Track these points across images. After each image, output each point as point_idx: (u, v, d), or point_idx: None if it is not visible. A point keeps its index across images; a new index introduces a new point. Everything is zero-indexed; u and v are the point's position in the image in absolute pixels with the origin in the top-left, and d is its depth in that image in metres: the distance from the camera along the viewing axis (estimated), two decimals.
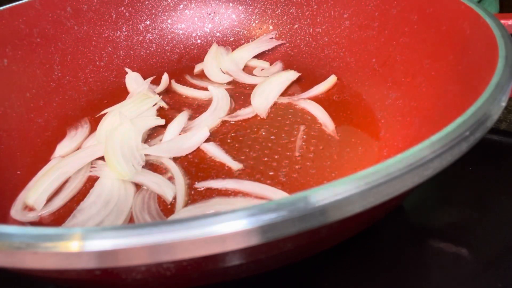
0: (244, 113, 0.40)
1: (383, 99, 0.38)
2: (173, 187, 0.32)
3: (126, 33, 0.48)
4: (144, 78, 0.45)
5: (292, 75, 0.44)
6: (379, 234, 0.29)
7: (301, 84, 0.44)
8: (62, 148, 0.37)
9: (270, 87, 0.42)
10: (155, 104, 0.41)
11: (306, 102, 0.40)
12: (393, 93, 0.37)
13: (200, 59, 0.49)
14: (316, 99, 0.41)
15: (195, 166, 0.34)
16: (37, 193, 0.32)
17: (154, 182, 0.32)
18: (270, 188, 0.31)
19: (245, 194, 0.31)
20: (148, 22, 0.50)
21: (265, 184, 0.31)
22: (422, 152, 0.17)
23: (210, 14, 0.52)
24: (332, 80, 0.43)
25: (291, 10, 0.49)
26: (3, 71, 0.38)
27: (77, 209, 0.31)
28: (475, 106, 0.20)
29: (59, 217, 0.31)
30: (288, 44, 0.49)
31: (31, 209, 0.31)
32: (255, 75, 0.45)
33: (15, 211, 0.31)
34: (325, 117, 0.38)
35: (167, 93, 0.44)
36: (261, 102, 0.40)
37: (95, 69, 0.45)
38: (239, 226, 0.15)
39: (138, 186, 0.32)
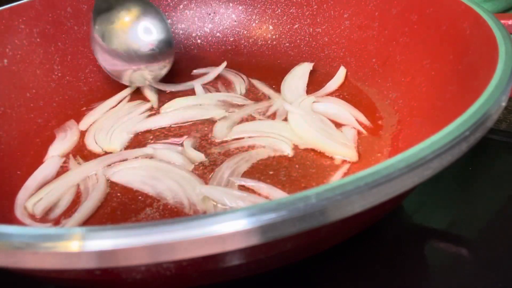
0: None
1: (383, 99, 0.38)
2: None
3: None
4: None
5: (307, 66, 0.45)
6: (379, 234, 0.29)
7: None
8: (55, 150, 0.37)
9: (294, 81, 0.43)
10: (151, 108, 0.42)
11: (329, 100, 0.40)
12: (393, 93, 0.37)
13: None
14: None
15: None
16: (45, 202, 0.31)
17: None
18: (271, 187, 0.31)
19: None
20: None
21: (264, 183, 0.31)
22: (422, 152, 0.17)
23: (210, 14, 0.52)
24: (342, 73, 0.43)
25: (291, 10, 0.49)
26: (3, 71, 0.38)
27: None
28: (475, 106, 0.20)
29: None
30: (288, 44, 0.49)
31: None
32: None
33: (20, 214, 0.31)
34: (356, 113, 0.38)
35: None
36: (296, 97, 0.41)
37: (95, 69, 0.45)
38: (239, 226, 0.15)
39: None
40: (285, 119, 0.37)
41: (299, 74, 0.44)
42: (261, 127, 0.37)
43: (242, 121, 0.38)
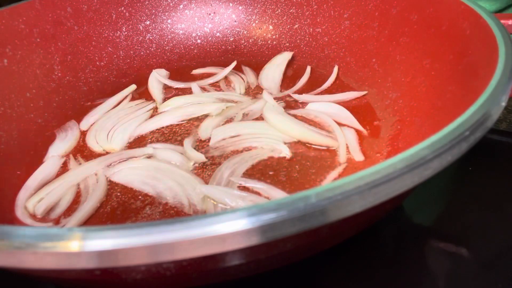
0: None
1: (383, 99, 0.38)
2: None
3: (126, 33, 0.48)
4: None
5: (287, 55, 0.47)
6: (379, 234, 0.29)
7: (303, 84, 0.44)
8: (55, 150, 0.37)
9: (272, 70, 0.45)
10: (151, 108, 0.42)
11: (329, 99, 0.40)
12: (393, 93, 0.37)
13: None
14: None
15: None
16: (46, 201, 0.31)
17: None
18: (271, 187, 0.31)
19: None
20: (148, 22, 0.50)
21: (264, 183, 0.31)
22: (422, 152, 0.17)
23: (210, 14, 0.52)
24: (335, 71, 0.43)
25: (291, 10, 0.49)
26: (3, 71, 0.38)
27: None
28: (475, 106, 0.20)
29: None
30: (288, 44, 0.49)
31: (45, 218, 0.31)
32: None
33: (21, 213, 0.31)
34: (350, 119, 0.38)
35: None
36: (271, 84, 0.43)
37: (95, 69, 0.45)
38: (239, 226, 0.15)
39: None
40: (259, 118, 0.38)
41: (278, 62, 0.46)
42: (243, 129, 0.37)
43: (226, 122, 0.39)
